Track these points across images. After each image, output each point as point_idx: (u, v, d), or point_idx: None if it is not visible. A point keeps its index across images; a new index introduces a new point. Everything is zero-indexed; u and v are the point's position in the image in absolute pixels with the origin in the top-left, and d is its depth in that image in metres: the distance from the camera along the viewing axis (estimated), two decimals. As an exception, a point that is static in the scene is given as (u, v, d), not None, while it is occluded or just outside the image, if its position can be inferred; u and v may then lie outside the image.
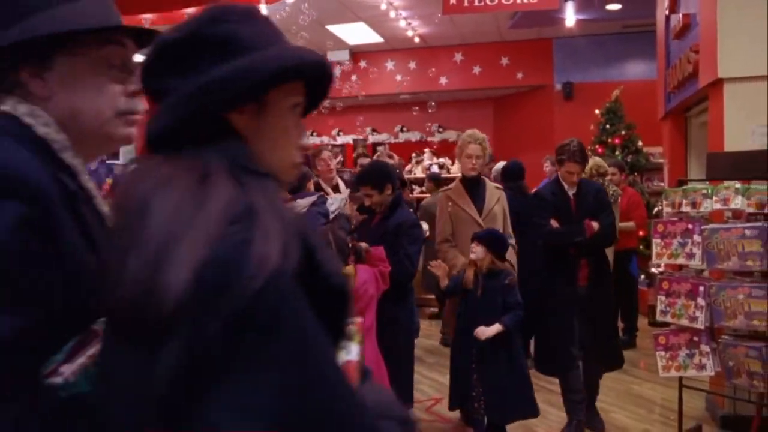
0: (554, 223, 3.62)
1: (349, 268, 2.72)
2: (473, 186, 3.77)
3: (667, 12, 5.43)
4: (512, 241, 3.79)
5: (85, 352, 0.80)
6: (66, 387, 0.78)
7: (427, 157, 9.32)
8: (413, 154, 9.91)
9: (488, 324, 3.13)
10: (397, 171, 4.22)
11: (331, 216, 3.40)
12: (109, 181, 3.28)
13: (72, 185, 0.88)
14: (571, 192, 3.68)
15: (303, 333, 0.67)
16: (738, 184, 3.20)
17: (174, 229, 0.65)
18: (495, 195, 3.79)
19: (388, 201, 3.31)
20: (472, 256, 3.28)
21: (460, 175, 3.95)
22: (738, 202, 3.15)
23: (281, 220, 0.69)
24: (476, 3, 5.88)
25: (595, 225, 3.55)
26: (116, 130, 0.96)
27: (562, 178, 3.68)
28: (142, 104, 0.99)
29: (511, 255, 3.64)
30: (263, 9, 5.73)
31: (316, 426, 0.65)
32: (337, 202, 3.52)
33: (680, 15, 4.89)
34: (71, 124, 0.92)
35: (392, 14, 8.07)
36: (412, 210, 4.87)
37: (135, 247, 0.66)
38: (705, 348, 3.32)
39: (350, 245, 2.82)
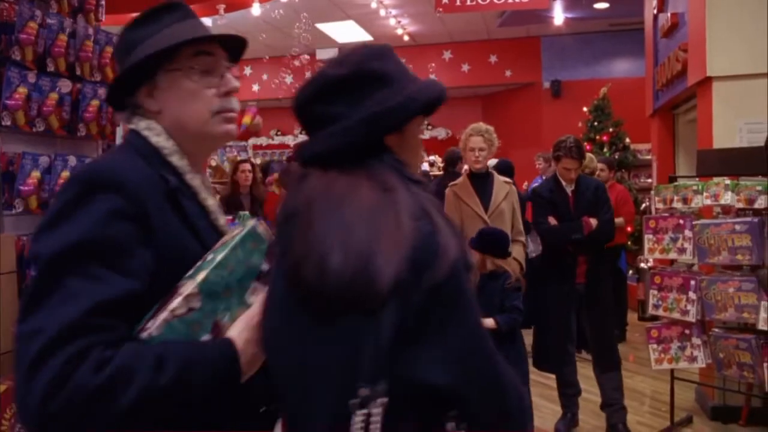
0: (552, 221, 3.59)
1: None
2: (480, 181, 3.62)
3: (655, 11, 5.51)
4: (522, 238, 3.68)
5: (167, 309, 0.94)
6: (151, 340, 0.92)
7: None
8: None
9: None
10: None
11: None
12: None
13: (174, 183, 1.05)
14: (569, 189, 3.64)
15: (472, 304, 0.90)
16: (727, 180, 3.28)
17: (376, 227, 0.85)
18: (503, 190, 3.62)
19: None
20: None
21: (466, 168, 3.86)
22: (728, 198, 3.23)
23: (441, 216, 0.90)
24: (468, 2, 5.93)
25: (593, 222, 3.50)
26: (215, 128, 1.11)
27: (560, 175, 3.64)
28: (236, 102, 1.14)
29: (520, 253, 3.53)
30: (256, 8, 5.74)
31: (486, 379, 0.89)
32: None
33: (668, 14, 4.97)
34: (179, 130, 1.10)
35: (382, 12, 8.10)
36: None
37: (339, 243, 0.85)
38: (696, 340, 3.41)
39: None
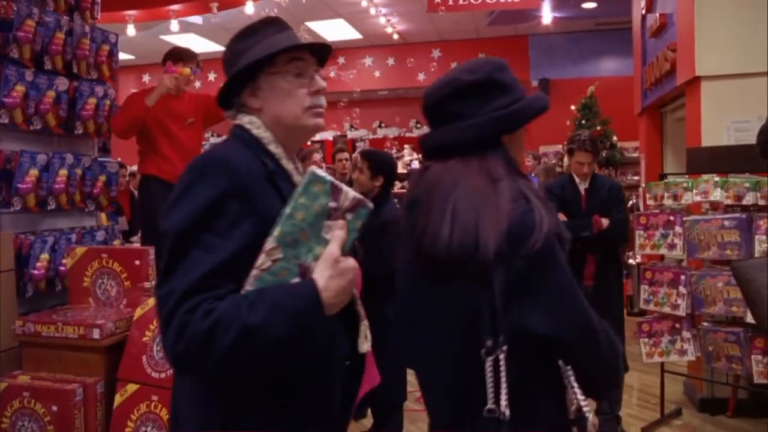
0: (561, 217, 3.43)
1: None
2: None
3: (643, 11, 5.59)
4: None
5: (255, 266, 1.11)
6: (248, 294, 1.10)
7: (407, 153, 9.41)
8: (393, 150, 10.01)
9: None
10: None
11: None
12: (102, 177, 3.28)
13: (272, 167, 1.25)
14: (582, 186, 3.51)
15: (565, 268, 1.12)
16: (717, 178, 3.35)
17: (482, 206, 1.10)
18: None
19: (371, 191, 3.21)
20: None
21: None
22: (717, 195, 3.30)
23: (539, 199, 1.14)
24: (460, 1, 5.97)
25: (604, 222, 3.38)
26: (307, 121, 1.31)
27: (574, 170, 3.54)
28: (323, 99, 1.34)
29: None
30: (250, 7, 5.74)
31: (578, 323, 1.12)
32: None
33: (657, 14, 5.04)
34: (276, 124, 1.30)
35: (372, 11, 8.12)
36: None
37: (452, 218, 1.10)
38: (686, 334, 3.47)
39: None
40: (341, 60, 10.75)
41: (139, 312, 2.48)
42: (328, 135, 11.80)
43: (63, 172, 2.96)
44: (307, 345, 1.10)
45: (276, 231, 1.12)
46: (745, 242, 3.15)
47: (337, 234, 1.13)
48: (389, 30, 9.16)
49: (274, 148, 1.28)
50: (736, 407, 3.83)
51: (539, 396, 1.14)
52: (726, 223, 3.21)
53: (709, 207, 3.51)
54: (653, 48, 5.36)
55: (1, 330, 2.61)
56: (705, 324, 3.45)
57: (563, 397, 1.14)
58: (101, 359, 2.45)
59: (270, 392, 1.16)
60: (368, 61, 10.75)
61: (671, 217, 3.50)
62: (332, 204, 1.14)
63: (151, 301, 2.49)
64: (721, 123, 3.93)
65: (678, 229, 3.45)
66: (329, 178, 1.15)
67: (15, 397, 2.42)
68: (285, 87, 1.29)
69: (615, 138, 8.47)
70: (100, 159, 3.34)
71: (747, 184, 3.24)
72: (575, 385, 1.12)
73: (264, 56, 1.26)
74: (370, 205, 1.16)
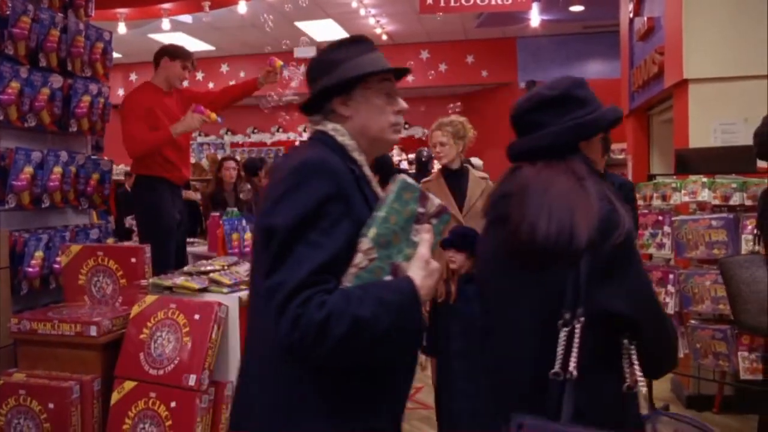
0: None
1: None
2: (454, 177, 3.39)
3: (631, 15, 5.67)
4: None
5: (353, 265, 1.22)
6: (352, 290, 1.20)
7: (396, 153, 9.43)
8: (382, 151, 10.03)
9: (462, 335, 2.81)
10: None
11: None
12: (96, 175, 3.27)
13: (358, 173, 1.36)
14: None
15: (640, 259, 1.37)
16: (704, 178, 3.42)
17: (574, 203, 1.30)
18: (478, 188, 3.37)
19: None
20: (453, 266, 2.85)
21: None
22: (705, 195, 3.37)
23: (618, 199, 1.34)
24: (452, 3, 6.02)
25: None
26: (390, 136, 1.44)
27: None
28: (403, 119, 1.48)
29: None
30: (242, 6, 5.74)
31: (650, 307, 1.35)
32: None
33: (645, 18, 5.12)
34: (360, 134, 1.41)
35: (362, 12, 8.14)
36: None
37: (546, 214, 1.30)
38: (674, 332, 3.53)
39: None
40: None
41: (136, 309, 2.48)
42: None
43: (57, 169, 2.95)
44: (406, 338, 1.22)
45: (371, 233, 1.24)
46: (732, 241, 3.22)
47: (425, 237, 1.27)
48: (378, 31, 9.18)
49: (357, 156, 1.39)
50: (722, 404, 3.90)
51: (602, 367, 1.33)
52: (713, 222, 3.28)
53: (696, 207, 3.58)
54: (641, 51, 5.44)
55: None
56: (693, 322, 3.51)
57: (621, 372, 1.33)
58: (98, 357, 2.45)
59: (364, 383, 1.27)
60: (357, 61, 10.78)
61: (660, 217, 3.56)
62: (420, 210, 1.28)
63: (149, 299, 2.49)
64: (708, 125, 4.01)
65: (666, 228, 3.51)
66: (418, 186, 1.30)
67: (10, 395, 2.41)
68: (377, 103, 1.41)
69: (602, 139, 8.56)
70: (93, 157, 3.33)
71: (734, 185, 3.31)
72: (635, 361, 1.32)
73: (370, 72, 1.38)
74: (451, 211, 1.31)
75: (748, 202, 3.27)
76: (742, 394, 3.74)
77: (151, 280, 2.58)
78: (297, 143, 10.21)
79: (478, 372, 2.65)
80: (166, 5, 5.83)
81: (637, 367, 1.32)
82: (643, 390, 1.33)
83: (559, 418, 1.27)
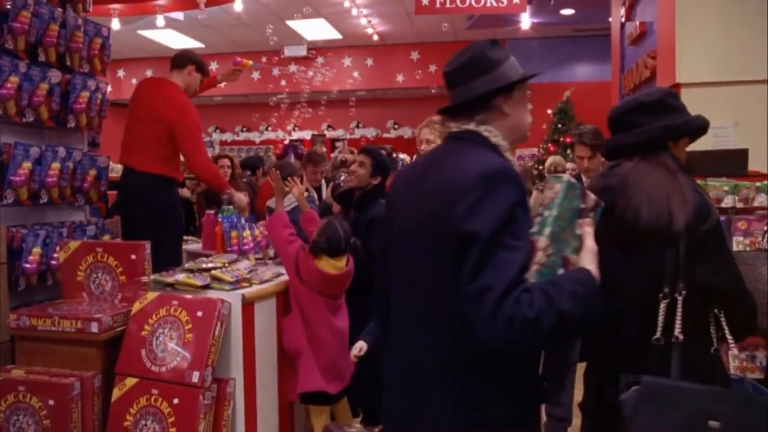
0: None
1: (343, 258, 2.81)
2: None
3: (623, 19, 5.74)
4: None
5: (534, 262, 1.31)
6: (545, 286, 1.30)
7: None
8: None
9: None
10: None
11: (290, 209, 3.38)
12: (93, 172, 3.25)
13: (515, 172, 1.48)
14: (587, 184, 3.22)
15: (727, 241, 1.79)
16: (697, 181, 3.46)
17: (669, 192, 1.59)
18: None
19: (366, 187, 3.24)
20: None
21: None
22: (697, 197, 3.41)
23: (704, 191, 1.69)
24: (447, 5, 6.06)
25: None
26: (528, 134, 1.57)
27: (577, 166, 3.53)
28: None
29: None
30: (239, 4, 5.72)
31: (738, 282, 1.64)
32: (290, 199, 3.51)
33: (637, 23, 5.19)
34: (511, 132, 1.50)
35: (354, 12, 8.15)
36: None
37: (646, 200, 1.60)
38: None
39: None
40: (320, 60, 10.76)
41: (137, 306, 2.48)
42: (303, 134, 11.80)
43: (56, 165, 2.93)
44: (592, 323, 1.34)
45: (547, 231, 1.34)
46: (723, 243, 3.27)
47: (587, 230, 1.39)
48: (370, 31, 9.20)
49: (509, 155, 1.48)
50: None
51: (697, 332, 1.61)
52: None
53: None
54: (632, 55, 5.51)
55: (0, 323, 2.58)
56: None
57: (710, 336, 1.64)
58: (98, 353, 2.44)
59: (532, 366, 1.46)
60: (347, 61, 10.78)
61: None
62: (582, 205, 1.41)
63: (150, 296, 2.49)
64: (699, 129, 4.06)
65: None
66: (579, 184, 1.44)
67: (9, 392, 2.39)
68: (525, 103, 1.54)
69: (590, 142, 8.65)
70: (90, 154, 3.31)
71: (725, 188, 3.36)
72: (726, 327, 1.62)
73: (533, 74, 1.51)
74: (602, 203, 1.45)
75: (740, 205, 3.33)
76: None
77: (152, 277, 2.58)
78: (286, 142, 10.19)
79: None
80: (161, 2, 5.80)
81: (727, 331, 1.61)
82: (735, 351, 1.65)
83: (661, 377, 1.54)
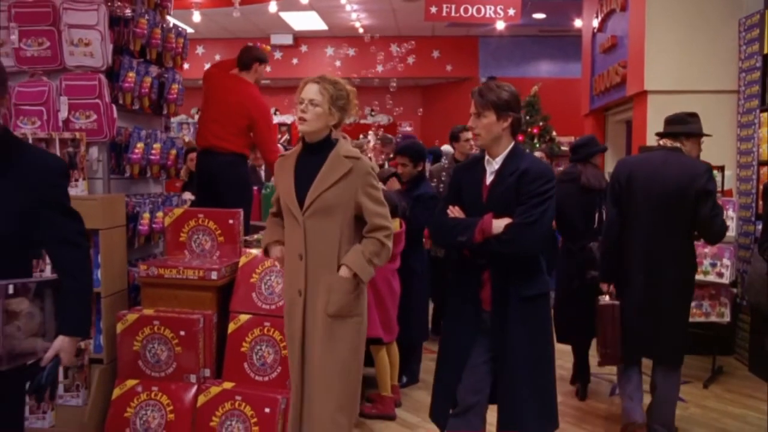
0: (456, 213, 2.40)
1: (396, 220, 3.48)
2: (311, 153, 2.43)
3: (595, 30, 6.58)
4: (377, 234, 2.40)
5: None
6: None
7: (372, 138, 10.10)
8: (361, 137, 10.73)
9: None
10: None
11: None
12: (173, 151, 3.84)
13: None
14: (491, 169, 2.39)
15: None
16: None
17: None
18: (338, 169, 2.36)
19: (414, 175, 3.98)
20: None
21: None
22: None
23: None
24: (453, 14, 6.78)
25: (498, 224, 2.29)
26: None
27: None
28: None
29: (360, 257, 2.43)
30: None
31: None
32: None
33: (608, 35, 6.04)
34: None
35: (348, 7, 8.74)
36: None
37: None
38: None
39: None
40: (304, 48, 11.31)
41: (244, 260, 3.14)
42: (284, 118, 12.32)
43: (157, 146, 3.53)
44: None
45: None
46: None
47: None
48: (357, 24, 9.80)
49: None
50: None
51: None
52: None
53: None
54: (603, 62, 6.37)
55: (116, 274, 3.19)
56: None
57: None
58: (214, 297, 3.08)
59: None
60: (330, 50, 11.37)
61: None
62: None
63: (254, 251, 3.15)
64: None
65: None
66: None
67: (146, 325, 3.02)
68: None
69: (554, 133, 9.56)
70: (171, 135, 3.91)
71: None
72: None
73: None
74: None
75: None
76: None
77: (256, 236, 3.23)
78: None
79: None
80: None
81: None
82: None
83: None
